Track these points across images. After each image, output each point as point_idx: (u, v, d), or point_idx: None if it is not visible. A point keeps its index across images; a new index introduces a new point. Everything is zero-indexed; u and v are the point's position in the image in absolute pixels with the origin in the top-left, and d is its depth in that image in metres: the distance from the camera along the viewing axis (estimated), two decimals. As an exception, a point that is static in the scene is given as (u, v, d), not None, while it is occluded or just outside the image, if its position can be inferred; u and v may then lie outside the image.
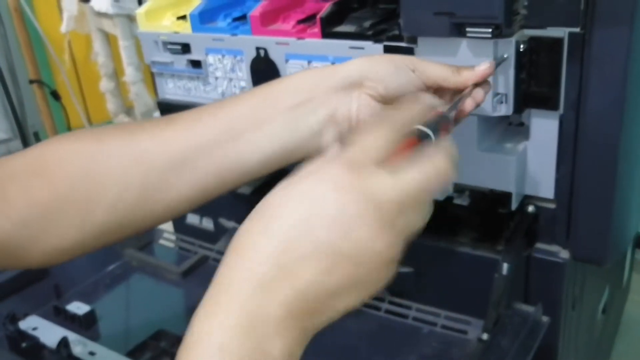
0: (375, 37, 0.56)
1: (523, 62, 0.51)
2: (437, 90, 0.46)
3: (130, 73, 1.93)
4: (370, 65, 0.44)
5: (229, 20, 0.67)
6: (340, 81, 0.44)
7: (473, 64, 0.50)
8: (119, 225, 0.44)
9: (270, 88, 0.45)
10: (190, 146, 0.43)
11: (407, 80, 0.44)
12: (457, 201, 0.60)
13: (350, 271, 0.32)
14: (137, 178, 0.43)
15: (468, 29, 0.49)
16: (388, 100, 0.45)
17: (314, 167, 0.34)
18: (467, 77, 0.45)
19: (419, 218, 0.34)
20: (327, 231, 0.32)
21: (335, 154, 0.34)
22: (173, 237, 0.79)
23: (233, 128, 0.44)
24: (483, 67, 0.45)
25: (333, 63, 0.58)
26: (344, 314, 0.34)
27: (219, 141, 0.44)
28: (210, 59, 0.67)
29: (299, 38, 0.60)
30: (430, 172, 0.33)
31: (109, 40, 2.16)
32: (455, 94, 0.46)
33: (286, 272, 0.32)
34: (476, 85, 0.45)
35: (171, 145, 0.44)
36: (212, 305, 0.32)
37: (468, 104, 0.45)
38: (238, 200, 0.75)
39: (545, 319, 0.56)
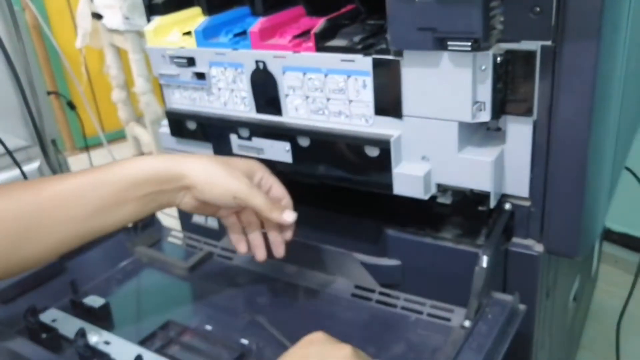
0: (365, 51, 0.56)
1: (500, 72, 0.51)
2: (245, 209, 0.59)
3: (140, 84, 1.92)
4: (205, 178, 0.55)
5: (230, 35, 0.67)
6: (174, 185, 0.55)
7: (454, 75, 0.51)
8: None
9: (123, 181, 0.54)
10: (38, 212, 0.50)
11: (227, 201, 0.56)
12: (440, 200, 0.59)
13: None
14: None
15: (449, 43, 0.49)
16: (207, 204, 0.57)
17: None
18: (276, 218, 0.57)
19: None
20: None
21: None
22: (180, 235, 0.78)
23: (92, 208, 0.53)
24: (290, 219, 0.58)
25: (326, 75, 0.58)
26: None
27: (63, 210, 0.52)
28: (214, 71, 0.67)
29: (295, 52, 0.60)
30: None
31: (120, 54, 2.16)
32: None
33: None
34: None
35: (23, 211, 0.50)
36: None
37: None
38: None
39: (522, 307, 0.56)
